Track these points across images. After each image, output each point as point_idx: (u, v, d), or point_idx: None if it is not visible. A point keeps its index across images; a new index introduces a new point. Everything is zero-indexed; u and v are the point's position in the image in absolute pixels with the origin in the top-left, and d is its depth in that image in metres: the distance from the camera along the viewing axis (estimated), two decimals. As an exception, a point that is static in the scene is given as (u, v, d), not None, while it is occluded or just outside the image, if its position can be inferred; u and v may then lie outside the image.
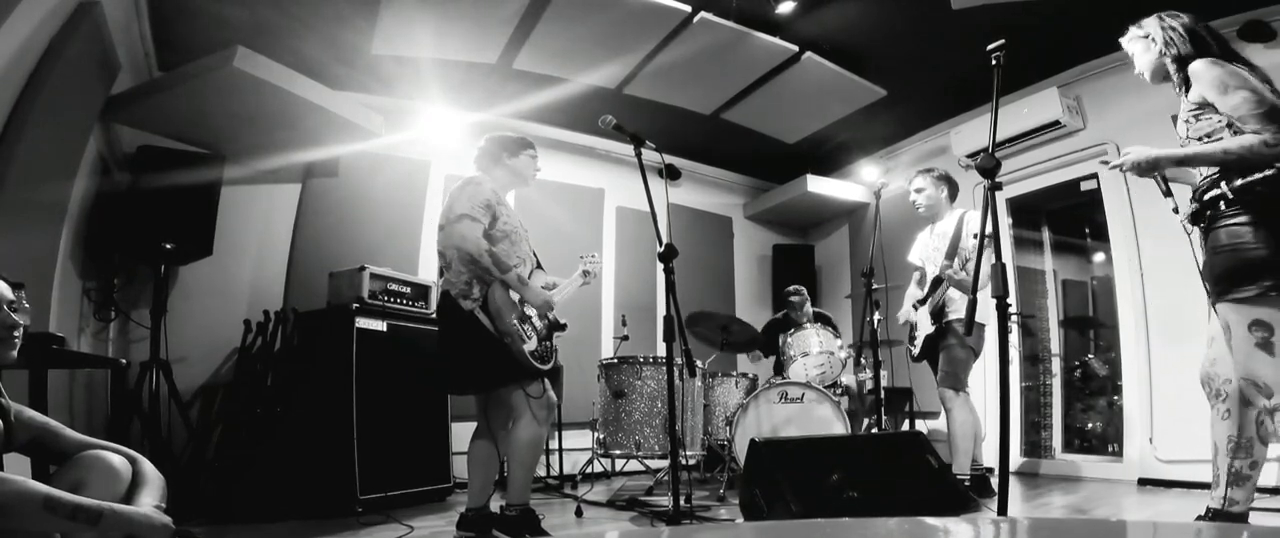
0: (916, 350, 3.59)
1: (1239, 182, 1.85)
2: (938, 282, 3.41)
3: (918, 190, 3.60)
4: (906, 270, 3.84)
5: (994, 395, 3.22)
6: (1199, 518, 2.09)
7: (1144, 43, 2.09)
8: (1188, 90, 1.99)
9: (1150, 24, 2.08)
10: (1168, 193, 2.10)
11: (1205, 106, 1.92)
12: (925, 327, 3.50)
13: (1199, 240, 2.03)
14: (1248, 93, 1.81)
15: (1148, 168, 2.02)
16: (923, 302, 3.54)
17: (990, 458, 3.45)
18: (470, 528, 2.53)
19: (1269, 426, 1.88)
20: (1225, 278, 1.87)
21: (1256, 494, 2.89)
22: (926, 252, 3.63)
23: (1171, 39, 2.01)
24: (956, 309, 3.36)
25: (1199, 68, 1.92)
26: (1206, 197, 1.94)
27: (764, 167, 6.00)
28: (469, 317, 2.48)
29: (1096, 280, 5.13)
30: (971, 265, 3.20)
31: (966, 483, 3.23)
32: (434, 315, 2.92)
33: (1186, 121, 1.99)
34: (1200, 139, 1.94)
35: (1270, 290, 1.78)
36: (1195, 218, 2.02)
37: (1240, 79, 1.85)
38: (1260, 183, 1.81)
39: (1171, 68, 2.02)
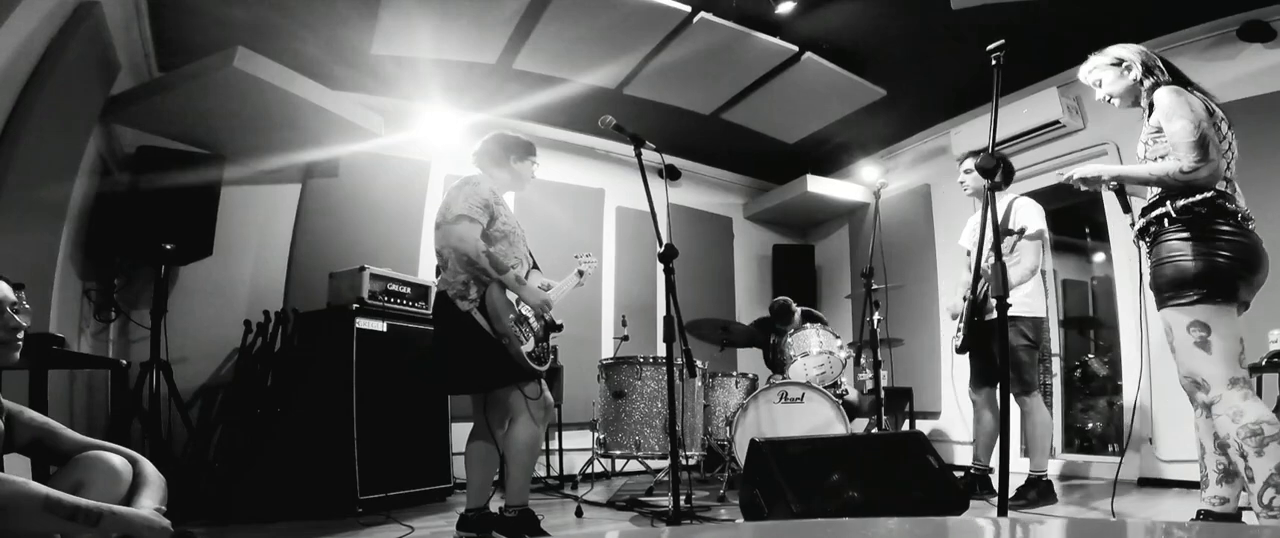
0: (959, 341, 3.40)
1: (1181, 202, 2.00)
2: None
3: (966, 171, 3.51)
4: (906, 271, 3.83)
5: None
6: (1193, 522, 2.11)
7: (1116, 71, 2.20)
8: (1151, 114, 2.12)
9: (1128, 53, 2.19)
10: (1127, 209, 2.28)
11: (1162, 130, 2.05)
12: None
13: (1145, 253, 2.19)
14: (1185, 123, 1.96)
15: (1092, 181, 2.18)
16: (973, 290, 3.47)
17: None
18: (470, 528, 2.53)
19: (1211, 420, 1.98)
20: (1168, 286, 2.02)
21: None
22: (976, 235, 3.57)
23: (1152, 68, 2.14)
24: (1014, 298, 3.26)
25: (1161, 95, 2.06)
26: (1152, 214, 2.10)
27: (764, 167, 6.00)
28: (466, 317, 2.48)
29: (1096, 280, 5.14)
30: (1019, 252, 3.21)
31: (1046, 479, 3.24)
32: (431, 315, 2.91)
33: (1145, 143, 2.14)
34: (1154, 160, 2.08)
35: (1207, 296, 1.93)
36: (1141, 233, 2.17)
37: (1187, 110, 1.98)
38: (1200, 204, 1.97)
39: (1146, 94, 2.15)
